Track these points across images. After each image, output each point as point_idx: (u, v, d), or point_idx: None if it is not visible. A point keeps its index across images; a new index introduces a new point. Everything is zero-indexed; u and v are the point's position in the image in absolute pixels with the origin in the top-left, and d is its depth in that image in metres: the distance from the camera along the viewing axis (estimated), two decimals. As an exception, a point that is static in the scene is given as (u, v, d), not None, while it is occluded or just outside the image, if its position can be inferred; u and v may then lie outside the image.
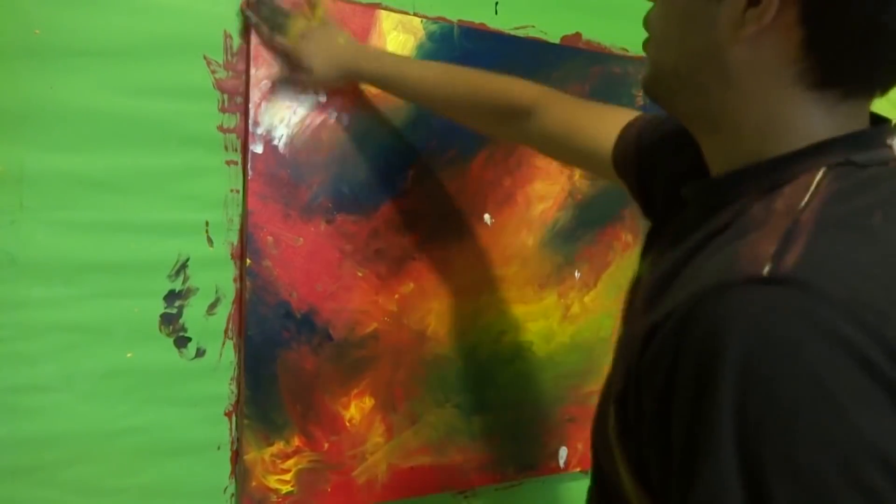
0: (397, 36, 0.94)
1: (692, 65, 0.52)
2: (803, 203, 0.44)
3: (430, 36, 0.96)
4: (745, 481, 0.38)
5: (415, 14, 0.95)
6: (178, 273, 0.82)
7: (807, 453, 0.37)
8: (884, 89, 0.49)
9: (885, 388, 0.37)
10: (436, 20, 0.97)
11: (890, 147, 0.49)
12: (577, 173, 1.10)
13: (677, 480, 0.42)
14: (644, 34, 0.57)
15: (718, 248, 0.47)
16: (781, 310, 0.39)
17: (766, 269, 0.40)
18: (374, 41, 0.92)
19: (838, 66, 0.47)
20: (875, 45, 0.45)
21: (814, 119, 0.48)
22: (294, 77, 0.86)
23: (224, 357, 0.85)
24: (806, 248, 0.41)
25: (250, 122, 0.85)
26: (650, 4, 0.56)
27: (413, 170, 0.96)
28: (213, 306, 0.85)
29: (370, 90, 0.92)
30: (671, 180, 0.63)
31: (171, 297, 0.82)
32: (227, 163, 0.85)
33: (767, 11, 0.46)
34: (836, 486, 0.36)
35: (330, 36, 0.87)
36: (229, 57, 0.84)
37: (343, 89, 0.90)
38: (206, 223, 0.84)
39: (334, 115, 0.90)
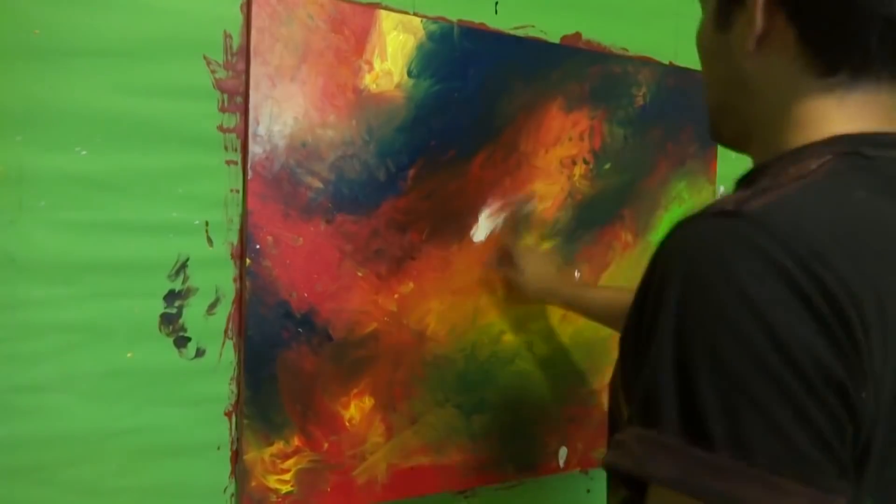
0: (397, 36, 0.94)
1: (724, 91, 0.59)
2: (798, 175, 0.49)
3: (430, 36, 0.96)
4: (677, 367, 0.45)
5: (415, 14, 0.95)
6: (177, 273, 0.83)
7: (727, 347, 0.43)
8: (891, 72, 0.52)
9: (805, 306, 0.42)
10: (436, 20, 0.97)
11: None
12: (577, 173, 1.10)
13: (631, 363, 0.50)
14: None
15: None
16: (726, 234, 0.45)
17: (730, 207, 0.46)
18: (374, 41, 0.92)
19: (831, 48, 0.51)
20: (853, 20, 0.49)
21: (828, 111, 0.52)
22: (506, 271, 1.03)
23: (224, 357, 0.85)
24: (775, 198, 0.46)
25: (250, 122, 0.85)
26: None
27: (413, 170, 0.96)
28: (212, 306, 0.85)
29: (370, 88, 0.92)
30: None
31: (170, 297, 0.82)
32: (227, 163, 0.85)
33: (759, 23, 0.52)
34: (749, 375, 0.42)
35: (550, 260, 1.07)
36: (229, 57, 0.84)
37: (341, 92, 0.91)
38: (206, 223, 0.84)
39: (334, 115, 0.90)
